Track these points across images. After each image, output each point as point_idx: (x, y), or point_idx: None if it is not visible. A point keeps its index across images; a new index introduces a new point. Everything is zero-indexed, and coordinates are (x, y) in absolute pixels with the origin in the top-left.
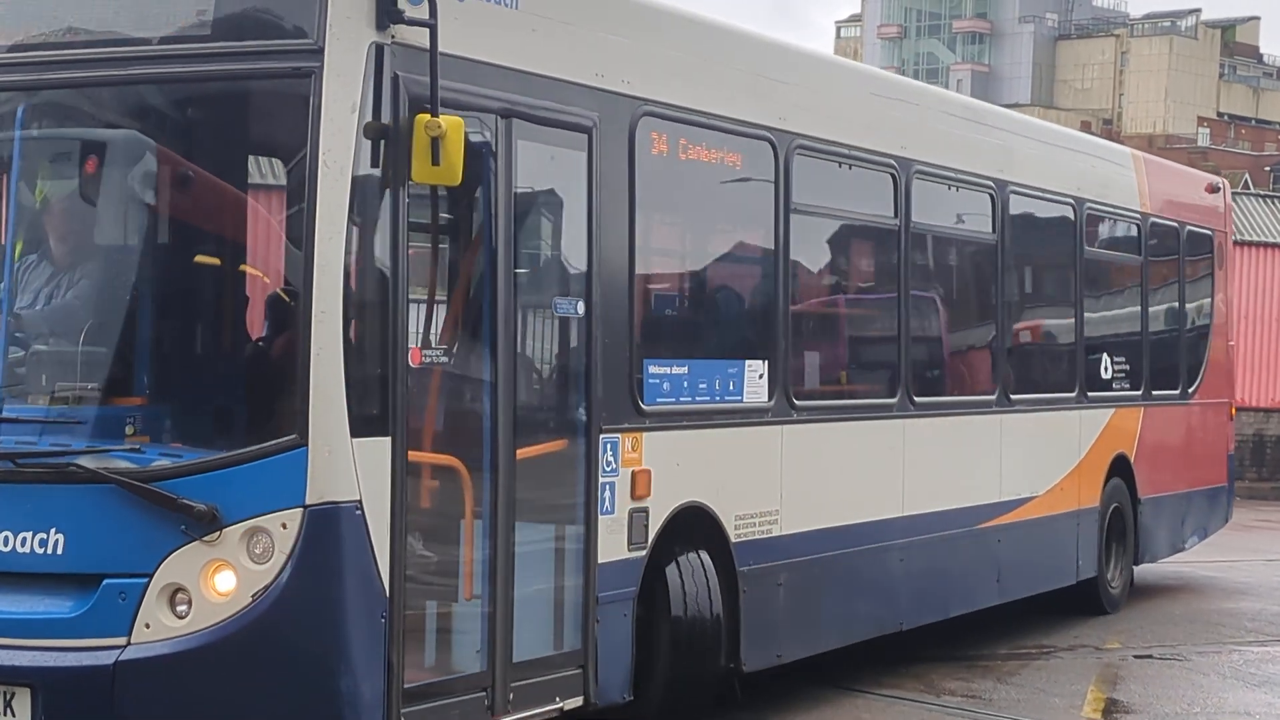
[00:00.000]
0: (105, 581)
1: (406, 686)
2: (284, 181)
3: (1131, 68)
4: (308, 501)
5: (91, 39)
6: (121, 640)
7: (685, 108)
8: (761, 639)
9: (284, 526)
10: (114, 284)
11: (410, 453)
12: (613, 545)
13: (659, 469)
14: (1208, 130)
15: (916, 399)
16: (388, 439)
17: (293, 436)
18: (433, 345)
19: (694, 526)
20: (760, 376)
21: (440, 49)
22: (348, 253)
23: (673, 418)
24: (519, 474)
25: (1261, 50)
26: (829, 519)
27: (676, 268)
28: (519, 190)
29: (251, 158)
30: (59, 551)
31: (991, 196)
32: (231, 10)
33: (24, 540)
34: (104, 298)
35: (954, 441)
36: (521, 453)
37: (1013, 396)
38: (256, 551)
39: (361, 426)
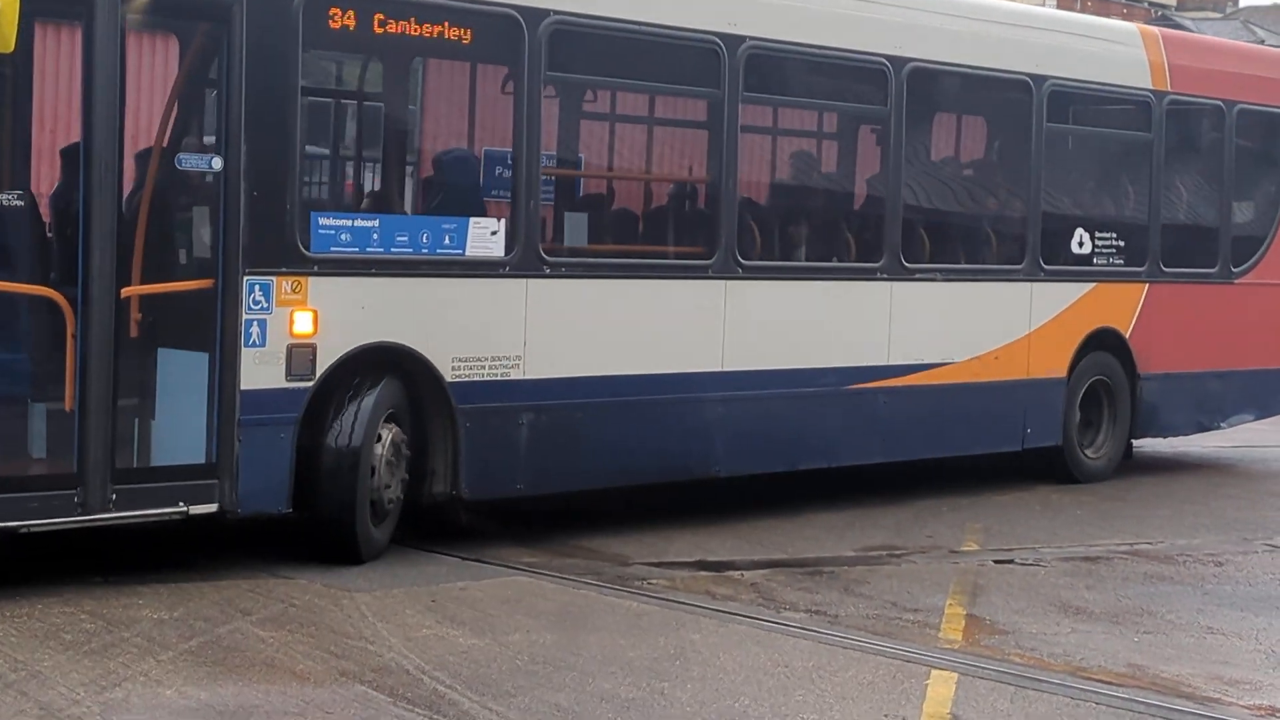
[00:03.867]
0: None
1: None
2: None
3: None
4: None
5: None
6: None
7: None
8: (490, 472)
9: None
10: None
11: None
12: (264, 375)
13: (332, 310)
14: None
15: (745, 262)
16: None
17: None
18: (6, 189)
19: (396, 365)
20: (492, 233)
21: None
22: None
23: (355, 265)
24: (137, 308)
25: None
26: (601, 368)
27: (378, 132)
28: (133, 60)
29: None
30: None
31: (884, 72)
32: None
33: None
34: None
35: (812, 305)
36: (132, 289)
37: (909, 265)
38: None
39: None
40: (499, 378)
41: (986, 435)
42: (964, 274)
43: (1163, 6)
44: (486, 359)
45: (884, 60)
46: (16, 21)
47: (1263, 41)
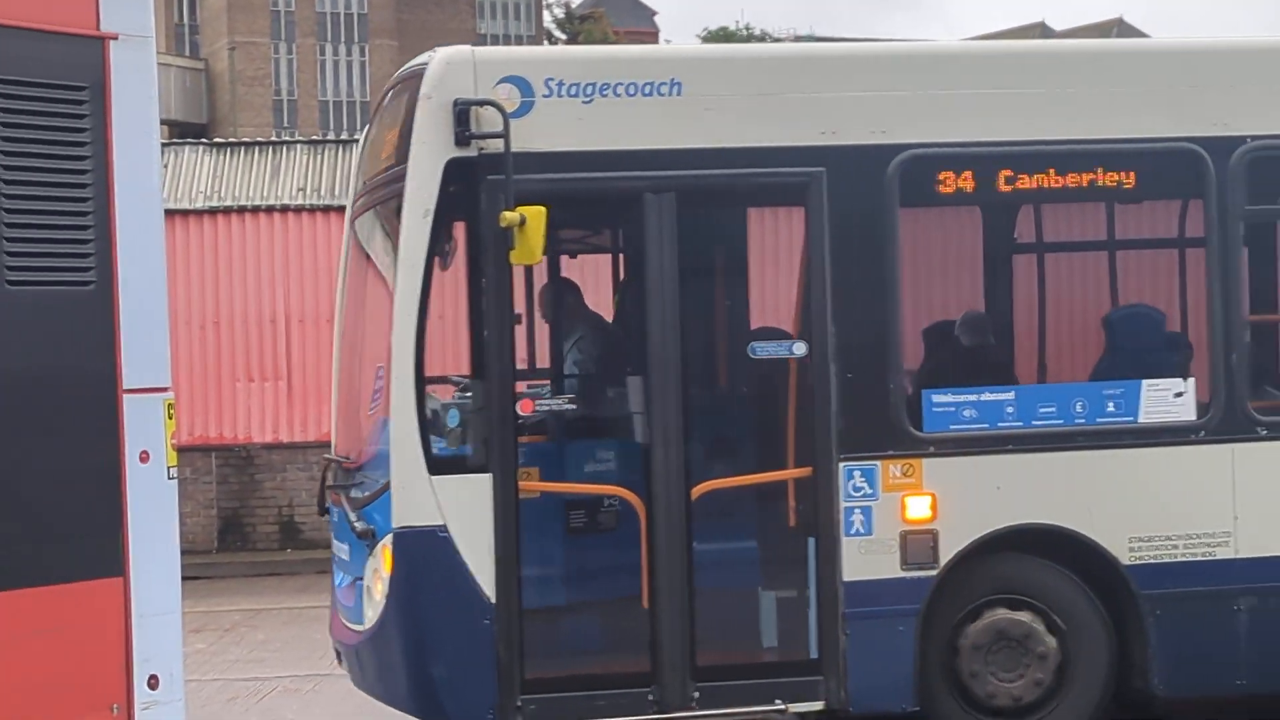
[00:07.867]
0: (357, 582)
1: (529, 678)
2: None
3: None
4: (394, 526)
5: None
6: (362, 627)
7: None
8: (1195, 666)
9: (393, 545)
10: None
11: (552, 485)
12: (872, 565)
13: (955, 493)
14: None
15: None
16: (484, 475)
17: (388, 479)
18: (549, 397)
19: (1044, 547)
20: (1177, 395)
21: (555, 148)
22: (419, 332)
23: (983, 443)
24: (714, 500)
25: None
26: None
27: (1007, 291)
28: (669, 259)
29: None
30: (348, 559)
31: None
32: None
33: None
34: None
35: None
36: (702, 487)
37: None
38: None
39: (443, 467)
40: (1200, 558)
41: None
42: None
43: None
44: (1179, 537)
45: None
46: (543, 232)
47: None
